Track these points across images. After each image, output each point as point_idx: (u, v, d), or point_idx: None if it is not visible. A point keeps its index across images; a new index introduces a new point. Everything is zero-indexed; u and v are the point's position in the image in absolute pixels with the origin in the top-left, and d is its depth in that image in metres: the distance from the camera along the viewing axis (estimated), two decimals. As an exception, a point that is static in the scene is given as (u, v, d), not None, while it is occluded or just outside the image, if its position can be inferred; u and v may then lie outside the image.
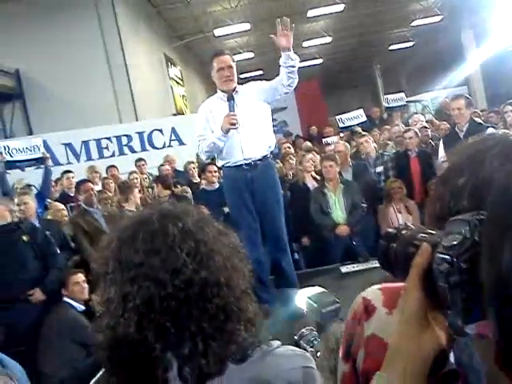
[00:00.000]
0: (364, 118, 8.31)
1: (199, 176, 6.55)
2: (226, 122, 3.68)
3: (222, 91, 3.88)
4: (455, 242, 0.60)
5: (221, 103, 3.87)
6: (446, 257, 0.61)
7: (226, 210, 4.74)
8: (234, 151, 3.81)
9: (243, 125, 3.76)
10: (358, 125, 8.05)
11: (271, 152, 4.06)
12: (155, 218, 0.94)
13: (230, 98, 3.78)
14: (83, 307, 3.97)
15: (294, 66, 3.72)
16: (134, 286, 0.88)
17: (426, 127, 6.57)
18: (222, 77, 3.82)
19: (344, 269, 4.73)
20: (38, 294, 4.07)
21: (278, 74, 3.77)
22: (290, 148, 6.26)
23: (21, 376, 1.36)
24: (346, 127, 8.22)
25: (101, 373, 2.98)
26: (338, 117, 8.78)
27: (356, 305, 0.91)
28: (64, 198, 6.02)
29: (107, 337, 0.90)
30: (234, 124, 3.68)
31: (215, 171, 5.53)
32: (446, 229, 0.64)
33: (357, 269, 4.69)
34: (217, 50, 4.21)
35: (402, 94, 9.03)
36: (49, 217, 5.41)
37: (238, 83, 3.95)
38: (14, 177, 7.55)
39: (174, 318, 0.87)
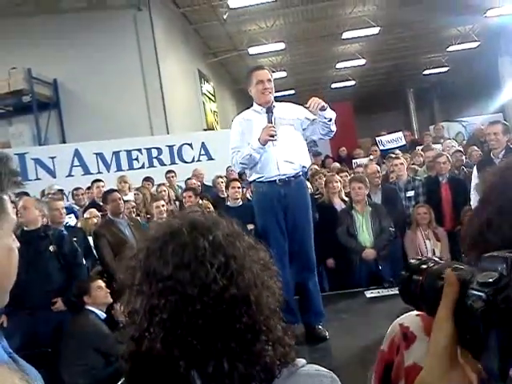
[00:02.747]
0: (403, 142, 8.14)
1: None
2: (265, 134, 3.64)
3: (259, 104, 3.87)
4: (491, 280, 0.57)
5: (256, 116, 3.86)
6: (481, 294, 0.57)
7: (250, 227, 4.71)
8: (269, 166, 3.77)
9: (279, 140, 3.73)
10: (397, 148, 7.88)
11: (305, 172, 4.04)
12: (185, 230, 0.91)
13: (269, 111, 3.76)
14: (105, 315, 3.97)
15: (328, 123, 3.73)
16: (161, 300, 0.86)
17: (460, 151, 6.45)
18: (261, 89, 3.82)
19: (369, 294, 4.64)
20: (59, 304, 4.12)
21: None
22: (317, 169, 6.22)
23: (37, 381, 1.33)
24: (386, 150, 8.08)
25: (120, 383, 2.96)
26: (378, 138, 8.60)
27: (393, 332, 0.87)
28: (93, 207, 6.09)
29: (131, 349, 0.88)
30: (273, 136, 3.65)
31: (239, 187, 5.51)
32: (480, 264, 0.61)
33: (382, 294, 4.59)
34: (255, 66, 4.24)
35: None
36: (79, 224, 5.47)
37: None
38: (44, 183, 7.73)
39: (200, 335, 0.84)
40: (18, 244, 0.99)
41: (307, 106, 3.66)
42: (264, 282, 0.92)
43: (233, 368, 0.84)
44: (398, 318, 0.89)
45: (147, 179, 7.62)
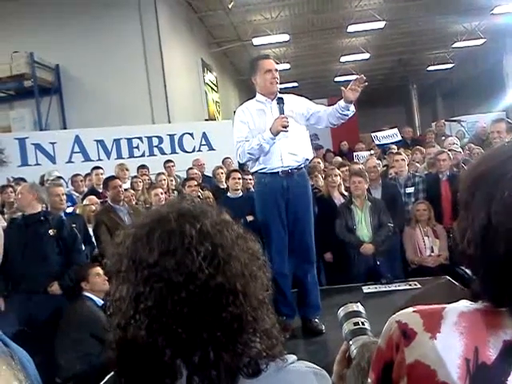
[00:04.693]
0: (399, 138, 8.22)
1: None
2: (278, 124, 3.59)
3: (263, 95, 3.83)
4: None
5: (261, 107, 3.82)
6: None
7: (250, 218, 4.71)
8: (273, 157, 3.73)
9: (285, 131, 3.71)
10: (392, 143, 7.96)
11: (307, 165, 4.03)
12: (173, 217, 0.90)
13: (281, 102, 3.73)
14: (102, 302, 3.97)
15: (347, 116, 3.75)
16: (147, 287, 0.85)
17: (455, 151, 6.42)
18: (269, 79, 3.76)
19: (366, 289, 4.64)
20: (55, 288, 4.11)
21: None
22: (319, 163, 6.20)
23: (27, 363, 1.33)
24: (382, 145, 8.14)
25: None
26: (373, 134, 8.70)
27: (391, 330, 0.86)
28: (92, 194, 6.07)
29: (117, 336, 0.88)
30: (286, 127, 3.61)
31: (239, 178, 5.50)
32: None
33: (379, 290, 4.60)
34: (261, 55, 4.20)
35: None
36: (78, 210, 5.47)
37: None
38: (44, 168, 7.72)
39: (186, 323, 0.84)
40: (4, 223, 0.99)
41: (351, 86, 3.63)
42: (252, 272, 0.91)
43: (218, 358, 0.84)
44: (394, 315, 0.88)
45: (142, 167, 7.61)
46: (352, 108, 3.71)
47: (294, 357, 0.94)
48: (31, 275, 4.06)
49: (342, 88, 3.67)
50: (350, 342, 1.07)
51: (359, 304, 1.17)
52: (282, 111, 3.69)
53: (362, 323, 1.10)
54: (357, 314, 1.13)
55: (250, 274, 0.90)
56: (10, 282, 4.19)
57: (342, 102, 3.69)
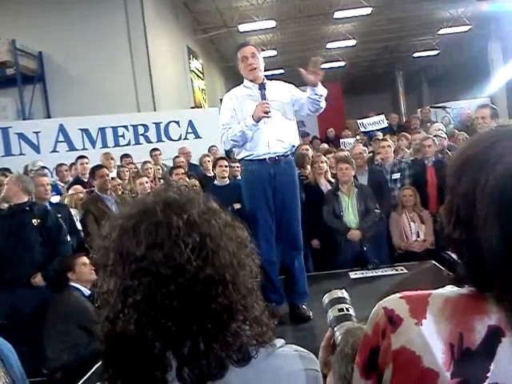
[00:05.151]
0: (385, 124, 8.26)
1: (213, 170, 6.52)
2: (259, 110, 3.58)
3: (250, 81, 3.80)
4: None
5: (248, 92, 3.79)
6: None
7: (237, 206, 4.70)
8: (259, 144, 3.71)
9: (270, 118, 3.68)
10: (378, 130, 8.00)
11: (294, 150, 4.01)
12: (159, 208, 0.89)
13: (262, 87, 3.71)
14: (89, 292, 3.95)
15: (319, 100, 3.69)
16: (135, 281, 0.84)
17: (441, 136, 6.46)
18: (246, 66, 3.75)
19: (353, 275, 4.68)
20: (38, 279, 4.08)
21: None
22: (308, 150, 6.22)
23: (8, 354, 1.32)
24: (367, 132, 8.18)
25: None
26: (359, 121, 8.74)
27: (377, 316, 0.86)
28: (77, 183, 6.02)
29: (106, 329, 0.87)
30: (267, 112, 3.59)
31: (226, 166, 5.48)
32: None
33: (366, 275, 4.64)
34: (241, 43, 4.16)
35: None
36: (66, 200, 5.42)
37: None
38: (28, 158, 7.63)
39: (175, 316, 0.83)
40: None
41: (309, 69, 3.56)
42: (241, 260, 0.91)
43: (209, 349, 0.84)
44: (380, 301, 0.88)
45: (126, 156, 7.54)
46: (320, 91, 3.63)
47: (282, 341, 0.94)
48: (14, 265, 4.02)
49: (302, 71, 3.61)
50: (335, 329, 1.08)
51: (344, 290, 1.17)
52: (263, 97, 3.67)
53: (347, 309, 1.11)
54: (341, 300, 1.14)
55: (238, 263, 0.90)
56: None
57: (308, 90, 3.68)
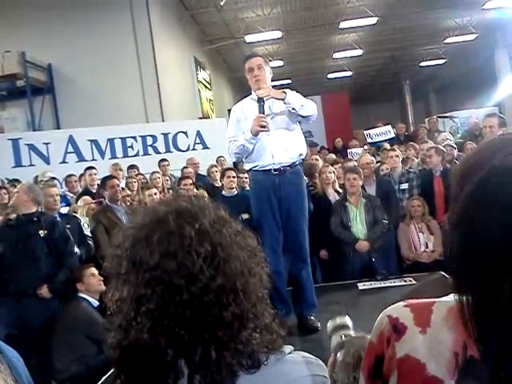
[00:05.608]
0: (392, 135, 8.24)
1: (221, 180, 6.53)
2: (255, 124, 3.62)
3: (256, 93, 3.83)
4: None
5: (252, 104, 3.81)
6: None
7: (245, 216, 4.71)
8: (264, 154, 3.74)
9: (274, 128, 3.70)
10: (386, 141, 7.98)
11: (302, 160, 4.01)
12: (171, 217, 0.90)
13: (261, 100, 3.71)
14: (97, 303, 3.97)
15: (295, 109, 3.69)
16: (148, 290, 0.86)
17: (451, 146, 6.44)
18: (252, 77, 3.79)
19: (361, 286, 4.66)
20: (44, 291, 4.07)
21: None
22: (317, 160, 6.19)
23: (17, 362, 1.33)
24: (374, 143, 8.15)
25: (112, 371, 2.97)
26: (366, 132, 8.72)
27: (382, 325, 0.87)
28: (86, 194, 6.05)
29: (119, 337, 0.88)
30: (264, 126, 3.62)
31: (234, 176, 5.49)
32: None
33: (374, 286, 4.62)
34: (248, 54, 4.20)
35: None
36: (79, 211, 5.43)
37: None
38: (38, 169, 7.69)
39: (187, 325, 0.84)
40: None
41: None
42: (251, 269, 0.92)
43: (220, 356, 0.85)
44: (385, 310, 0.89)
45: (132, 167, 7.57)
46: (290, 100, 3.65)
47: (290, 347, 0.95)
48: (21, 276, 4.03)
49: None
50: (338, 355, 1.10)
51: (347, 317, 1.20)
52: (261, 110, 3.68)
53: (350, 336, 1.16)
54: (345, 327, 1.17)
55: (249, 272, 0.91)
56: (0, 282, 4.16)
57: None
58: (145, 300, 0.85)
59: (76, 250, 4.53)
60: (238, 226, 0.97)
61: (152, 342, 0.84)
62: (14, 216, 4.35)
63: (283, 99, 3.66)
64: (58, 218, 4.61)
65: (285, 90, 3.83)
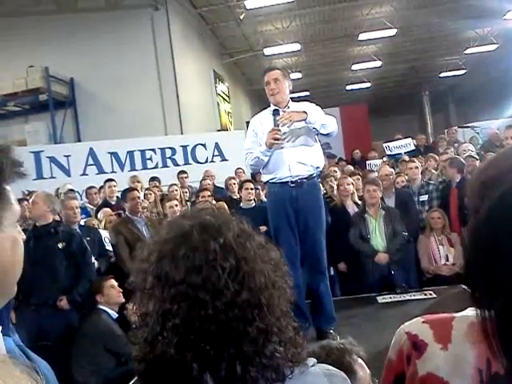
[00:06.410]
0: (412, 147, 8.14)
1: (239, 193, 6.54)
2: (269, 137, 3.64)
3: (274, 105, 3.85)
4: None
5: (269, 117, 3.84)
6: None
7: (263, 229, 4.69)
8: (281, 167, 3.75)
9: (293, 143, 3.71)
10: (405, 153, 7.89)
11: (320, 172, 4.02)
12: (196, 232, 0.90)
13: (276, 113, 3.73)
14: (117, 315, 3.98)
15: (316, 128, 3.72)
16: (174, 305, 0.86)
17: (472, 157, 6.34)
18: (268, 91, 3.83)
19: (381, 299, 4.60)
20: (63, 303, 4.10)
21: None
22: (336, 172, 6.14)
23: (48, 374, 1.34)
24: (393, 155, 8.07)
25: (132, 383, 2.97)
26: (385, 144, 8.64)
27: (401, 341, 0.85)
28: (105, 206, 6.12)
29: (144, 351, 0.89)
30: (278, 139, 3.63)
31: (252, 188, 5.50)
32: None
33: (394, 300, 4.55)
34: (268, 67, 4.22)
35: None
36: (102, 223, 5.48)
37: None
38: (59, 181, 7.80)
39: (213, 340, 0.84)
40: (24, 236, 0.99)
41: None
42: (275, 282, 0.91)
43: (245, 371, 0.84)
44: (402, 325, 0.87)
45: (153, 179, 7.63)
46: (312, 120, 3.67)
47: (314, 360, 0.95)
48: (40, 289, 4.04)
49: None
50: None
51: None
52: (275, 124, 3.69)
53: None
54: None
55: (273, 285, 0.91)
56: (20, 295, 4.18)
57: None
58: (170, 315, 0.85)
59: (94, 261, 4.55)
60: (261, 239, 0.96)
61: (178, 357, 0.84)
62: (29, 225, 4.36)
63: (305, 120, 3.66)
64: (78, 230, 4.65)
65: (305, 105, 3.85)
